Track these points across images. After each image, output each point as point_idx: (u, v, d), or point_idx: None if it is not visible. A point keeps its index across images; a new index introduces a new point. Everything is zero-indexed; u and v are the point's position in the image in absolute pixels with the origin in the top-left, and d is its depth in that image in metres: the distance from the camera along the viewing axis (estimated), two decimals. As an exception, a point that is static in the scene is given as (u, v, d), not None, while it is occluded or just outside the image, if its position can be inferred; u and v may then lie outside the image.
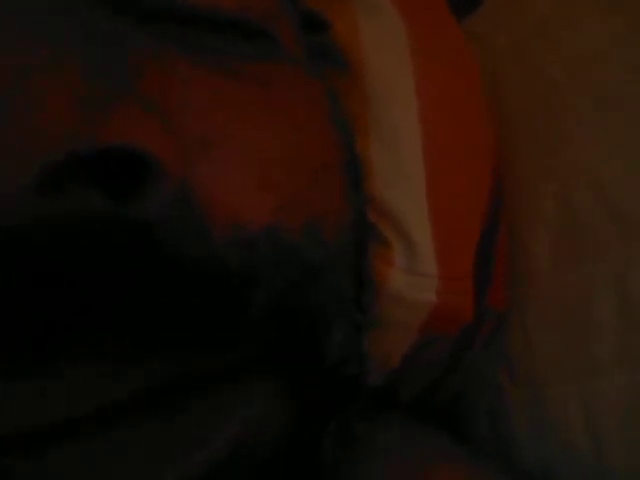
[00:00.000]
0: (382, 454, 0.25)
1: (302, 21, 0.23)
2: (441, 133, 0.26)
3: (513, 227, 0.32)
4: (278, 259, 0.13)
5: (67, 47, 0.10)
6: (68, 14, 0.11)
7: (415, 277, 0.26)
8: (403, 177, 0.26)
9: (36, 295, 0.09)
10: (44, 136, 0.09)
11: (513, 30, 0.36)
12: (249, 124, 0.14)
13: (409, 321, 0.26)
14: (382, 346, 0.26)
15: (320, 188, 0.16)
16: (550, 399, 0.30)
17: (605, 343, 0.28)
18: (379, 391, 0.28)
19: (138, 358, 0.11)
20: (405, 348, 0.27)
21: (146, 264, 0.10)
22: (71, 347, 0.10)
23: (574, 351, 0.30)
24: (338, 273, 0.16)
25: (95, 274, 0.10)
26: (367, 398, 0.28)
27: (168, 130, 0.11)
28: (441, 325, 0.27)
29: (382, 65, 0.25)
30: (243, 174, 0.13)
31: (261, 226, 0.13)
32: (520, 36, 0.36)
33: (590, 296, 0.29)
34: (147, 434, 0.11)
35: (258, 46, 0.16)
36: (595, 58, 0.32)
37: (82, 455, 0.11)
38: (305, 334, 0.14)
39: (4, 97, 0.09)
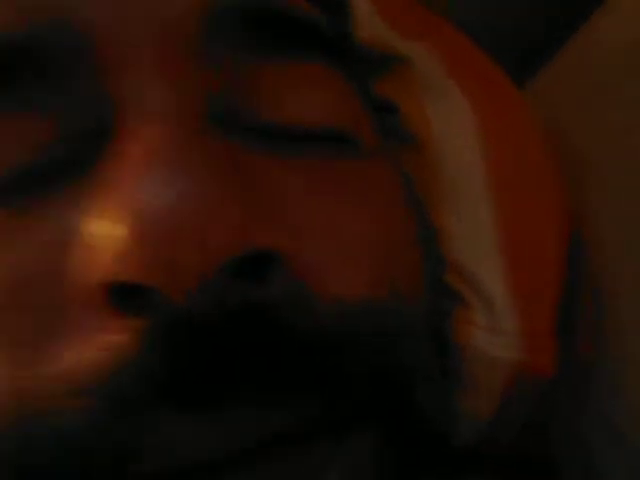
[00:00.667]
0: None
1: (374, 106, 0.26)
2: (511, 198, 0.28)
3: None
4: (370, 325, 0.15)
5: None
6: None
7: (496, 335, 0.27)
8: (477, 241, 0.27)
9: (206, 362, 0.12)
10: (225, 237, 0.12)
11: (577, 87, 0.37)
12: (340, 215, 0.17)
13: (493, 379, 0.27)
14: (469, 404, 0.27)
15: (400, 261, 0.18)
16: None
17: None
18: (469, 453, 0.29)
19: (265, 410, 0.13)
20: (492, 406, 0.28)
21: (270, 337, 0.13)
22: (230, 394, 0.13)
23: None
24: (420, 335, 0.18)
25: (249, 347, 0.12)
26: (458, 459, 0.29)
27: (282, 226, 0.14)
28: (523, 383, 0.28)
29: (450, 141, 0.28)
30: (339, 257, 0.16)
31: (357, 299, 0.15)
32: (584, 93, 0.37)
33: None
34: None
35: (341, 147, 0.18)
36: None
37: None
38: (391, 394, 0.16)
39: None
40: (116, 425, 0.13)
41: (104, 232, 0.13)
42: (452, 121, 0.28)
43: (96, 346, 0.13)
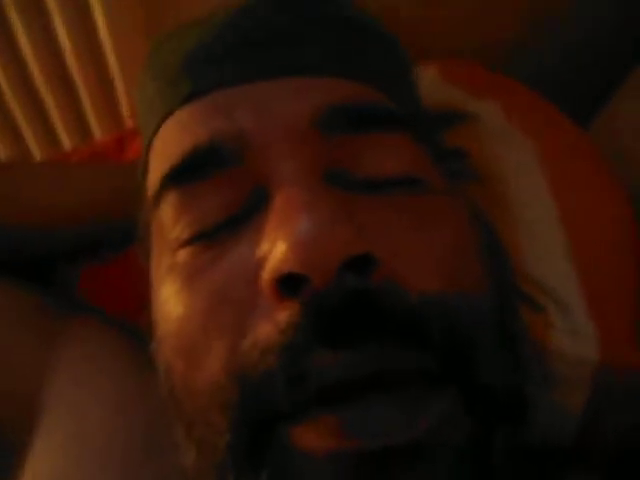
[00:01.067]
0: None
1: (445, 155, 0.32)
2: (575, 215, 0.32)
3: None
4: (442, 308, 0.21)
5: None
6: None
7: (575, 336, 0.31)
8: (549, 255, 0.32)
9: (339, 323, 0.20)
10: (341, 246, 0.20)
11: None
12: (419, 234, 0.23)
13: (578, 377, 0.31)
14: (559, 398, 0.31)
15: (466, 268, 0.24)
16: None
17: None
18: (580, 453, 0.32)
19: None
20: (582, 400, 0.31)
21: (374, 311, 0.20)
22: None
23: None
24: (485, 322, 0.23)
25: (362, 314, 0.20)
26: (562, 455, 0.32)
27: (378, 240, 0.21)
28: (609, 378, 0.31)
29: (517, 174, 0.33)
30: (420, 264, 0.22)
31: (433, 292, 0.21)
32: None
33: None
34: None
35: (417, 187, 0.25)
36: None
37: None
38: (460, 361, 0.21)
39: None
40: (292, 362, 0.20)
41: (275, 248, 0.20)
42: (517, 159, 0.34)
43: (274, 322, 0.20)
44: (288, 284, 0.20)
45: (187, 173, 0.24)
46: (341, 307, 0.19)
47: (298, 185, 0.22)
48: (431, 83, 0.38)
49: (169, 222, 0.25)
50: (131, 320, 0.35)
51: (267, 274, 0.20)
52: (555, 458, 0.32)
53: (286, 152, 0.23)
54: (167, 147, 0.26)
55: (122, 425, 0.29)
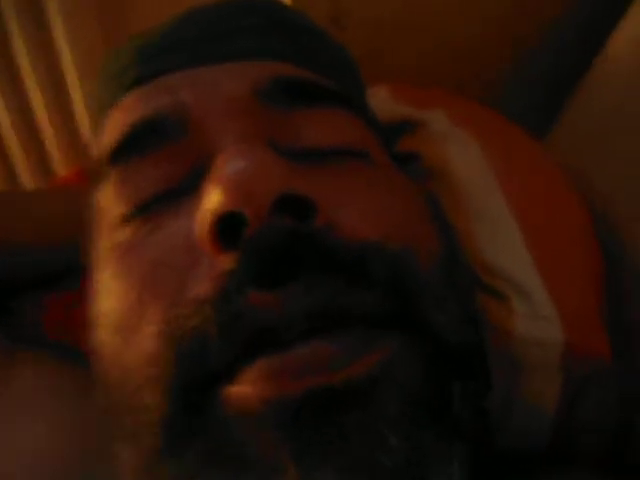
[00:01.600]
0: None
1: (397, 160, 0.32)
2: (525, 203, 0.33)
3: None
4: (383, 255, 0.21)
5: None
6: None
7: (537, 320, 0.30)
8: (504, 241, 0.32)
9: (277, 262, 0.19)
10: (276, 182, 0.19)
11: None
12: (360, 191, 0.23)
13: (546, 361, 0.30)
14: (530, 388, 0.30)
15: (412, 229, 0.23)
16: None
17: None
18: (557, 448, 0.30)
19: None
20: (555, 392, 0.30)
21: (312, 250, 0.19)
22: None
23: None
24: (441, 284, 0.23)
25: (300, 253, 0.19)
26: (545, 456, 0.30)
27: (318, 189, 0.21)
28: (580, 364, 0.30)
29: (466, 170, 0.34)
30: (365, 218, 0.22)
31: (376, 239, 0.21)
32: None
33: None
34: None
35: (359, 159, 0.25)
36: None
37: None
38: (406, 310, 0.20)
39: None
40: (226, 306, 0.19)
41: (209, 194, 0.20)
42: (464, 155, 0.35)
43: (213, 274, 0.19)
44: (227, 234, 0.19)
45: (126, 150, 0.24)
46: (278, 247, 0.19)
47: (237, 144, 0.22)
48: (382, 103, 0.40)
49: (109, 202, 0.24)
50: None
51: (201, 222, 0.20)
52: (530, 464, 0.30)
53: (227, 123, 0.23)
54: (109, 134, 0.26)
55: (53, 447, 0.27)
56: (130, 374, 0.20)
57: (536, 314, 0.31)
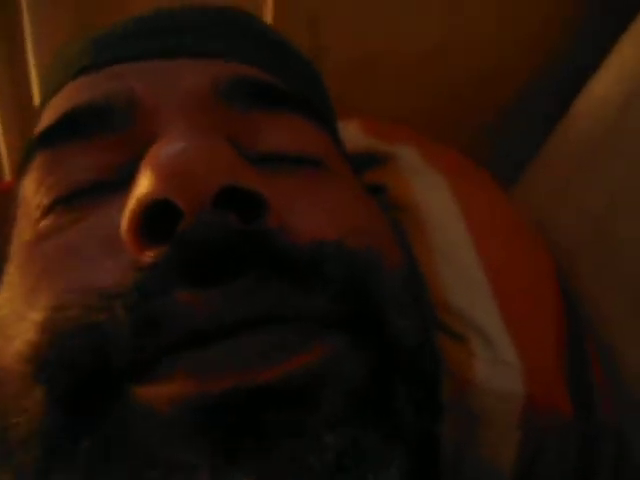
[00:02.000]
0: None
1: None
2: (491, 244, 0.32)
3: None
4: (341, 256, 0.19)
5: None
6: None
7: (498, 367, 0.28)
8: (467, 282, 0.30)
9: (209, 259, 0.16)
10: (220, 171, 0.17)
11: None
12: (317, 195, 0.21)
13: (505, 415, 0.28)
14: (487, 442, 0.27)
15: (374, 234, 0.21)
16: None
17: None
18: None
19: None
20: (513, 449, 0.28)
21: (258, 252, 0.17)
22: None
23: None
24: (400, 292, 0.21)
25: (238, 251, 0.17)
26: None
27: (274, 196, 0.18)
28: (540, 419, 0.28)
29: (432, 205, 0.33)
30: (319, 220, 0.20)
31: (329, 239, 0.19)
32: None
33: None
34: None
35: (317, 168, 0.23)
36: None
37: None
38: (361, 311, 0.18)
39: None
40: (143, 303, 0.16)
41: (138, 180, 0.17)
42: (432, 192, 0.34)
43: (128, 268, 0.17)
44: (156, 227, 0.17)
45: (58, 134, 0.21)
46: (216, 244, 0.16)
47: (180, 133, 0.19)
48: (352, 135, 0.39)
49: (31, 191, 0.21)
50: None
51: (127, 212, 0.17)
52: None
53: (181, 116, 0.21)
54: (45, 120, 0.23)
55: None
56: (6, 374, 0.17)
57: (497, 359, 0.29)
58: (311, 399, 0.16)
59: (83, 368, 0.16)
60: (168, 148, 0.17)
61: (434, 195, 0.33)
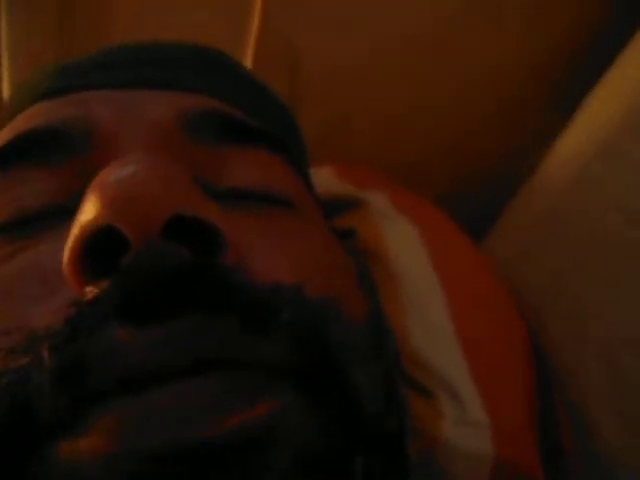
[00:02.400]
0: None
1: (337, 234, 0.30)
2: (461, 297, 0.31)
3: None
4: (301, 306, 0.17)
5: None
6: None
7: (467, 426, 0.27)
8: (436, 335, 0.29)
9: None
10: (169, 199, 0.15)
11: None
12: (282, 240, 0.20)
13: (474, 476, 0.26)
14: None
15: (336, 284, 0.20)
16: None
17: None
18: None
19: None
20: None
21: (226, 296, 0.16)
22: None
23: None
24: (362, 348, 0.19)
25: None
26: None
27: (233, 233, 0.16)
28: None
29: (402, 254, 0.32)
30: (279, 262, 0.18)
31: (287, 284, 0.17)
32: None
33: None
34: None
35: (285, 208, 0.22)
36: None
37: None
38: (313, 359, 0.17)
39: None
40: (71, 350, 0.14)
41: (82, 208, 0.15)
42: (402, 239, 0.33)
43: (61, 305, 0.15)
44: (100, 259, 0.15)
45: (13, 155, 0.20)
46: (161, 278, 0.15)
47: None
48: (326, 181, 0.38)
49: None
50: None
51: (69, 242, 0.15)
52: None
53: (141, 144, 0.20)
54: (0, 139, 0.22)
55: None
56: None
57: (466, 419, 0.27)
58: (252, 464, 0.14)
59: (3, 422, 0.14)
60: (117, 171, 0.16)
61: (404, 243, 0.32)
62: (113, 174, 0.16)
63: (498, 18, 0.46)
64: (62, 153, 0.20)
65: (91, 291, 0.15)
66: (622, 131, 0.37)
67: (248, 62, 0.48)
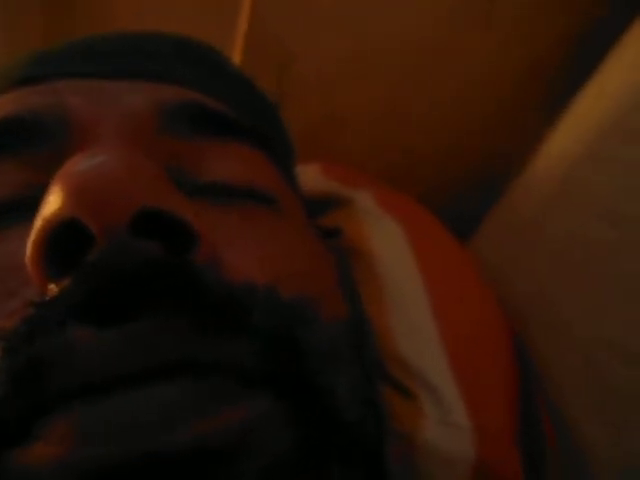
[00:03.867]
0: None
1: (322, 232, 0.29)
2: (445, 298, 0.30)
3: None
4: (275, 306, 0.17)
5: None
6: None
7: (448, 427, 0.26)
8: (419, 335, 0.29)
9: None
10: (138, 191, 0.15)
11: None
12: (258, 237, 0.19)
13: (455, 478, 0.25)
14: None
15: (314, 284, 0.19)
16: None
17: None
18: None
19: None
20: None
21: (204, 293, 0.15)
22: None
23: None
24: (341, 351, 0.19)
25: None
26: None
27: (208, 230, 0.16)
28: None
29: (386, 252, 0.31)
30: (253, 260, 0.18)
31: (260, 283, 0.17)
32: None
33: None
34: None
35: (263, 204, 0.22)
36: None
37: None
38: (287, 365, 0.16)
39: None
40: (26, 353, 0.14)
41: (46, 200, 0.15)
42: (387, 238, 0.32)
43: (18, 305, 0.15)
44: (65, 257, 0.14)
45: None
46: (125, 275, 0.14)
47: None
48: (311, 179, 0.38)
49: None
50: None
51: (31, 236, 0.15)
52: None
53: (114, 134, 0.19)
54: None
55: None
56: None
57: (447, 420, 0.27)
58: (217, 474, 0.13)
59: None
60: (82, 161, 0.15)
61: (388, 242, 0.32)
62: (78, 164, 0.15)
63: (487, 18, 0.45)
64: (32, 143, 0.19)
65: (53, 289, 0.14)
66: (612, 133, 0.37)
67: (237, 60, 0.47)
